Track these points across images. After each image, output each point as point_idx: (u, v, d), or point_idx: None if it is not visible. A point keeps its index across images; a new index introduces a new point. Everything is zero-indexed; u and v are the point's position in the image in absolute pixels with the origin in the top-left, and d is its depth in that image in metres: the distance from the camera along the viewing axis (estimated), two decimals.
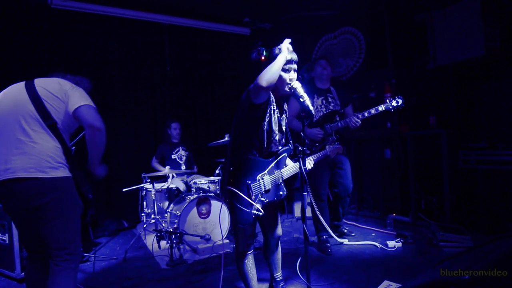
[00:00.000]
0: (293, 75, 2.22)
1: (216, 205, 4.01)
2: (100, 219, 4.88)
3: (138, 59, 5.30)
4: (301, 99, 2.12)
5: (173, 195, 4.46)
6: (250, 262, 2.36)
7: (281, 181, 2.33)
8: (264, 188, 2.22)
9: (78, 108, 2.07)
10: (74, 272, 2.08)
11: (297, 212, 5.08)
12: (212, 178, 4.48)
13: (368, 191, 5.16)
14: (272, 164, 2.29)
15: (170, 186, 4.47)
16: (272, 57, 2.21)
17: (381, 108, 3.37)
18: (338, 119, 3.65)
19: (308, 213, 3.95)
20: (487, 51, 3.74)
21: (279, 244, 2.57)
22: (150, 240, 3.93)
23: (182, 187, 4.62)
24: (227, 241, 3.89)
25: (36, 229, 2.01)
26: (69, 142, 2.15)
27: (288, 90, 2.21)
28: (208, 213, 3.99)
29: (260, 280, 2.68)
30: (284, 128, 2.39)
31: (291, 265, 3.10)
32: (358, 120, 3.42)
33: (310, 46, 5.94)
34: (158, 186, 4.46)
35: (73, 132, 2.24)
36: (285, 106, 2.43)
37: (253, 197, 2.15)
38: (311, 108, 2.12)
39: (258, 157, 2.24)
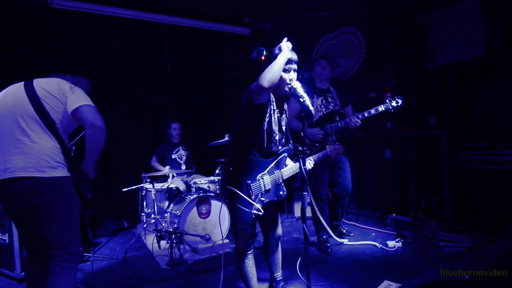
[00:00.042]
0: (293, 75, 2.22)
1: (216, 205, 4.01)
2: (100, 219, 4.87)
3: (138, 59, 5.30)
4: (301, 99, 2.12)
5: (173, 195, 4.46)
6: (250, 262, 2.36)
7: (281, 181, 2.33)
8: (264, 188, 2.22)
9: (78, 108, 2.08)
10: (74, 271, 2.08)
11: (297, 212, 5.08)
12: (212, 178, 4.48)
13: (368, 191, 5.16)
14: (272, 164, 2.29)
15: (170, 186, 4.48)
16: (272, 57, 2.21)
17: (381, 108, 3.37)
18: (338, 119, 3.65)
19: (308, 213, 3.95)
20: (487, 51, 3.74)
21: (279, 244, 2.57)
22: (150, 240, 3.93)
23: (182, 187, 4.62)
24: (227, 241, 3.89)
25: (35, 228, 2.01)
26: (68, 142, 2.15)
27: (288, 90, 2.21)
28: (208, 213, 3.99)
29: (260, 280, 2.68)
30: (284, 128, 2.39)
31: (291, 265, 3.10)
32: (358, 120, 3.42)
33: (310, 46, 5.94)
34: (158, 186, 4.46)
35: (72, 132, 2.24)
36: (285, 106, 2.43)
37: (253, 197, 2.15)
38: (311, 108, 2.12)
39: (258, 157, 2.24)
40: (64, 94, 2.11)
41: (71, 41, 4.69)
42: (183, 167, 4.98)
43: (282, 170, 2.35)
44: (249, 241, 2.32)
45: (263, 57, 2.31)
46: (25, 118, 2.01)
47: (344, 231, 4.02)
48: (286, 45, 2.13)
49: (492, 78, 4.28)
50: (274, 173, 2.29)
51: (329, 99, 3.70)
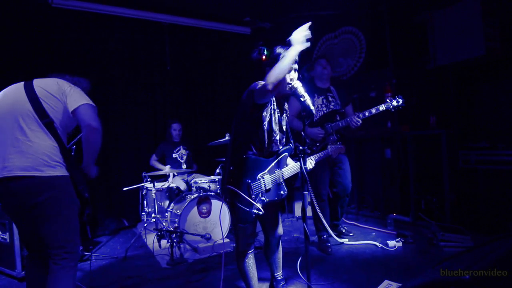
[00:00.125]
0: (293, 74, 2.22)
1: (216, 204, 4.02)
2: (101, 218, 4.88)
3: (139, 58, 5.31)
4: (301, 99, 2.12)
5: (174, 194, 4.46)
6: (250, 261, 2.36)
7: (281, 180, 2.33)
8: (265, 188, 2.22)
9: (77, 107, 2.09)
10: (74, 270, 2.09)
11: (298, 212, 5.09)
12: (212, 177, 4.48)
13: (369, 191, 5.17)
14: (273, 164, 2.30)
15: (170, 185, 4.48)
16: (273, 57, 2.21)
17: (382, 107, 3.38)
18: (338, 118, 3.65)
19: (309, 212, 3.95)
20: (487, 51, 3.74)
21: (280, 243, 2.57)
22: (151, 239, 3.93)
23: (182, 186, 4.62)
24: (228, 240, 3.90)
25: (34, 227, 2.02)
26: (66, 141, 2.16)
27: (289, 90, 2.21)
28: (208, 212, 4.00)
29: (260, 279, 2.68)
30: (284, 127, 2.40)
31: (291, 265, 3.10)
32: (359, 120, 3.43)
33: (310, 46, 5.92)
34: (158, 185, 4.47)
35: (70, 132, 2.25)
36: (286, 106, 2.43)
37: (254, 196, 2.15)
38: (312, 107, 2.12)
39: (258, 156, 2.24)
40: (64, 93, 2.12)
41: (72, 40, 4.69)
42: (184, 166, 4.99)
43: (282, 169, 2.35)
44: (249, 240, 2.33)
45: (264, 57, 2.32)
46: (25, 118, 2.02)
47: (344, 230, 4.02)
48: (300, 35, 1.96)
49: (492, 78, 4.28)
50: (275, 173, 2.30)
51: (330, 99, 3.71)
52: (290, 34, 1.97)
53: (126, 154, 5.18)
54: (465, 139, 4.29)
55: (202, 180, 4.39)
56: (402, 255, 3.41)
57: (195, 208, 3.92)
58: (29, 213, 2.00)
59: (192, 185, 4.36)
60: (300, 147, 2.13)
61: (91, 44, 4.87)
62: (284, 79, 2.12)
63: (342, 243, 3.76)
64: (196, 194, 3.96)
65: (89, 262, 3.47)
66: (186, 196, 4.04)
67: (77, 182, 2.12)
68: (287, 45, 2.02)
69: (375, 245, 3.67)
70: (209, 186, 4.34)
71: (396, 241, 3.61)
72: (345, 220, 4.58)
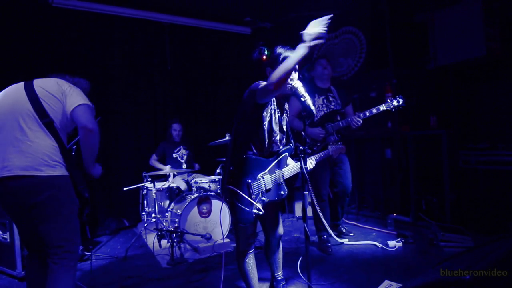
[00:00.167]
0: (294, 74, 2.21)
1: (217, 204, 4.02)
2: (101, 218, 4.89)
3: (139, 58, 5.31)
4: (302, 99, 2.11)
5: (174, 194, 4.47)
6: (251, 261, 2.36)
7: (282, 180, 2.33)
8: (265, 188, 2.22)
9: (75, 108, 2.09)
10: (73, 270, 2.09)
11: (298, 212, 5.09)
12: (213, 177, 4.48)
13: (369, 191, 5.17)
14: (273, 164, 2.30)
15: (171, 185, 4.48)
16: (273, 57, 2.21)
17: (382, 107, 3.38)
18: (339, 118, 3.65)
19: (309, 212, 3.95)
20: (487, 51, 3.74)
21: (280, 243, 2.57)
22: (151, 239, 3.93)
23: (183, 186, 4.62)
24: (228, 240, 3.90)
25: (34, 227, 2.02)
26: (66, 141, 2.16)
27: (289, 90, 2.21)
28: (209, 212, 4.00)
29: (261, 279, 2.68)
30: (284, 128, 2.40)
31: (292, 265, 3.10)
32: (360, 120, 3.43)
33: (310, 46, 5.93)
34: (159, 185, 4.47)
35: (70, 132, 2.25)
36: (286, 106, 2.43)
37: (254, 196, 2.15)
38: (312, 107, 2.12)
39: (258, 156, 2.24)
40: (63, 93, 2.13)
41: (72, 40, 4.69)
42: (184, 166, 4.99)
43: (283, 169, 2.35)
44: (249, 240, 2.33)
45: (264, 57, 2.31)
46: (25, 118, 2.03)
47: (344, 230, 4.02)
48: (315, 30, 1.86)
49: (492, 78, 4.28)
50: (275, 173, 2.30)
51: (330, 99, 3.71)
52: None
53: (126, 154, 5.18)
54: (466, 139, 4.29)
55: (203, 180, 4.39)
56: (403, 255, 3.41)
57: (196, 208, 3.92)
58: (29, 213, 2.00)
59: (193, 185, 4.36)
60: (301, 147, 2.13)
61: (91, 44, 4.87)
62: (288, 78, 2.07)
63: (343, 243, 3.76)
64: (197, 194, 3.96)
65: (89, 262, 3.47)
66: (187, 196, 4.04)
67: (77, 181, 2.12)
68: (299, 39, 1.89)
69: (375, 245, 3.67)
70: (209, 186, 4.34)
71: (397, 241, 3.61)
72: (345, 220, 4.58)
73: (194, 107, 5.89)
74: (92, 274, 3.30)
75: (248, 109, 2.15)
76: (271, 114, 2.23)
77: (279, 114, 2.32)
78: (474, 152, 3.98)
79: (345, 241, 3.80)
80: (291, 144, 2.43)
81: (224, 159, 4.52)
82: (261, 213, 2.15)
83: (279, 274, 2.60)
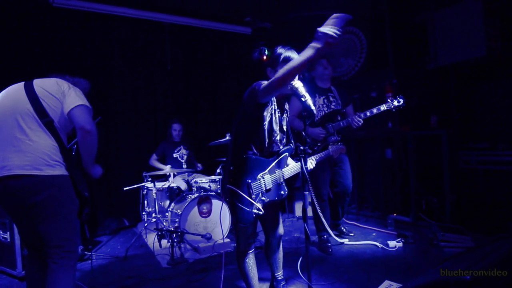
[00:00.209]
0: None
1: (217, 204, 4.02)
2: (101, 218, 4.89)
3: (139, 58, 5.31)
4: (302, 99, 2.10)
5: (174, 194, 4.47)
6: (251, 261, 2.37)
7: (282, 180, 2.33)
8: (265, 188, 2.22)
9: (73, 108, 2.10)
10: (73, 270, 2.09)
11: (298, 212, 5.09)
12: (213, 177, 4.48)
13: (369, 191, 5.16)
14: (273, 164, 2.30)
15: (171, 185, 4.48)
16: (273, 57, 2.21)
17: (383, 107, 3.38)
18: (339, 118, 3.65)
19: (309, 212, 3.95)
20: (488, 51, 3.74)
21: (281, 243, 2.57)
22: (151, 239, 3.94)
23: (183, 186, 4.62)
24: (228, 240, 3.90)
25: (34, 226, 2.03)
26: (66, 141, 2.17)
27: (290, 90, 2.21)
28: (209, 212, 4.00)
29: (261, 279, 2.68)
30: (285, 128, 2.40)
31: (292, 265, 3.11)
32: (360, 120, 3.43)
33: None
34: (159, 185, 4.47)
35: (70, 132, 2.25)
36: (286, 106, 2.43)
37: (254, 196, 2.15)
38: (313, 107, 2.11)
39: (259, 156, 2.24)
40: (62, 93, 2.14)
41: (72, 40, 4.70)
42: (185, 166, 4.99)
43: (283, 169, 2.35)
44: (250, 240, 2.33)
45: (264, 57, 2.32)
46: (24, 117, 2.03)
47: (344, 230, 4.02)
48: (333, 30, 1.68)
49: (493, 78, 4.28)
50: (275, 173, 2.30)
51: (331, 99, 3.71)
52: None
53: (126, 154, 5.18)
54: (466, 140, 4.29)
55: (203, 180, 4.39)
56: (403, 255, 3.41)
57: (196, 208, 3.92)
58: (28, 212, 2.00)
59: (193, 185, 4.36)
60: (301, 147, 2.13)
61: (91, 44, 4.88)
62: (292, 77, 1.98)
63: (343, 243, 3.76)
64: (197, 194, 3.96)
65: (89, 261, 3.47)
66: (187, 196, 4.04)
67: (77, 181, 2.12)
68: (314, 36, 1.70)
69: (375, 245, 3.67)
70: (209, 186, 4.34)
71: (397, 241, 3.61)
72: (345, 220, 4.58)
73: (194, 107, 5.89)
74: (92, 274, 3.30)
75: (249, 108, 2.15)
76: (271, 114, 2.23)
77: (279, 114, 2.32)
78: (475, 152, 3.98)
79: (345, 241, 3.80)
80: (291, 144, 2.43)
81: (224, 159, 4.53)
82: (261, 213, 2.15)
83: (279, 274, 2.60)
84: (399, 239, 3.67)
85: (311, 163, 2.51)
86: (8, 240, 3.25)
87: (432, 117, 4.33)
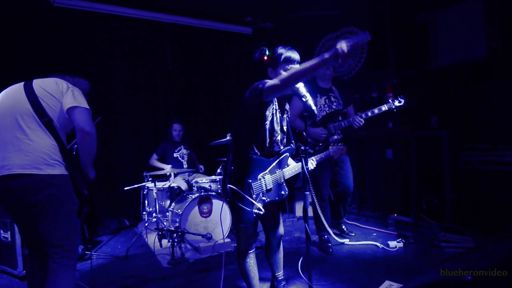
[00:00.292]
0: None
1: (217, 204, 4.02)
2: (102, 218, 4.89)
3: (140, 58, 5.31)
4: (303, 99, 2.11)
5: (175, 194, 4.47)
6: (251, 261, 2.37)
7: (282, 180, 2.34)
8: (266, 188, 2.22)
9: (70, 109, 2.10)
10: (73, 269, 2.09)
11: (298, 212, 5.09)
12: (213, 177, 4.48)
13: (370, 191, 5.16)
14: (274, 164, 2.30)
15: (171, 185, 4.48)
16: (274, 57, 2.21)
17: (384, 108, 3.39)
18: (340, 118, 3.65)
19: (309, 212, 3.96)
20: (488, 52, 3.74)
21: (281, 243, 2.57)
22: (152, 239, 3.94)
23: (183, 186, 4.63)
24: (229, 240, 3.90)
25: (33, 226, 2.03)
26: (65, 140, 2.17)
27: (291, 90, 2.21)
28: (209, 212, 4.00)
29: (261, 279, 2.68)
30: (285, 128, 2.40)
31: (292, 265, 3.11)
32: (362, 120, 3.43)
33: (312, 46, 5.94)
34: (159, 184, 4.47)
35: (69, 132, 2.25)
36: (287, 106, 2.43)
37: (254, 196, 2.15)
38: (314, 108, 2.12)
39: (259, 156, 2.24)
40: (61, 93, 2.14)
41: (73, 40, 4.69)
42: (185, 166, 4.99)
43: (284, 169, 2.35)
44: (250, 240, 2.33)
45: (265, 57, 2.32)
46: (24, 117, 2.04)
47: (345, 229, 4.02)
48: (346, 45, 1.94)
49: (493, 79, 4.28)
50: (276, 173, 2.30)
51: (332, 99, 3.71)
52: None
53: (127, 154, 5.18)
54: (466, 140, 4.29)
55: (203, 180, 4.39)
56: (403, 255, 3.41)
57: (196, 207, 3.93)
58: (28, 212, 2.00)
59: (193, 184, 4.36)
60: (302, 147, 2.13)
61: (92, 44, 4.87)
62: (296, 81, 2.02)
63: (343, 243, 3.76)
64: (197, 194, 3.96)
65: (90, 261, 3.47)
66: (187, 196, 4.04)
67: (77, 181, 2.13)
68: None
69: (376, 245, 3.67)
70: (210, 186, 4.34)
71: (397, 242, 3.61)
72: (346, 220, 4.57)
73: (195, 106, 5.89)
74: (92, 273, 3.30)
75: (250, 108, 2.15)
76: (272, 114, 2.23)
77: (280, 114, 2.32)
78: (475, 152, 3.99)
79: (346, 241, 3.80)
80: (292, 145, 2.43)
81: (225, 159, 4.53)
82: (261, 213, 2.15)
83: (280, 274, 2.60)
84: (400, 239, 3.67)
85: (311, 163, 2.51)
86: (9, 239, 3.25)
87: (433, 117, 4.33)
